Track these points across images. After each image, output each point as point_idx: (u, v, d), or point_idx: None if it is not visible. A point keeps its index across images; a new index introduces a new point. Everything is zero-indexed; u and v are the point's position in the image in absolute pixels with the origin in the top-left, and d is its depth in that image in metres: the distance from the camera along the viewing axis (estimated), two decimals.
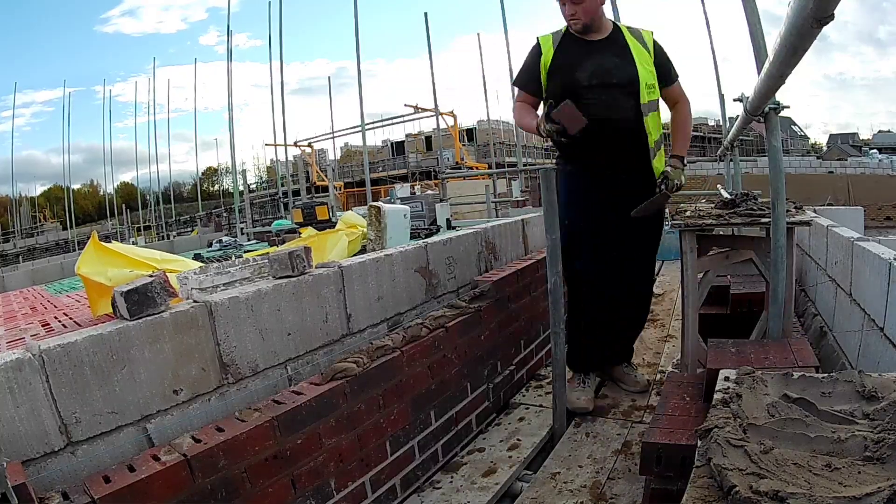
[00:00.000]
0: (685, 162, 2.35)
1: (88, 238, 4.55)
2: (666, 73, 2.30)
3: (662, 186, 2.25)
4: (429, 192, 15.11)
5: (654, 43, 2.29)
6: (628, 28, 2.29)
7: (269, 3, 14.31)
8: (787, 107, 1.79)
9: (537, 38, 2.37)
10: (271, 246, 8.66)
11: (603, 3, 2.24)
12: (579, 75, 2.22)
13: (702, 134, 38.35)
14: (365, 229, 5.27)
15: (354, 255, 4.60)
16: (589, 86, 2.22)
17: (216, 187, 48.29)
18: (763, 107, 1.73)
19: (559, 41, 2.29)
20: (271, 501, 1.38)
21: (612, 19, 2.30)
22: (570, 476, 1.90)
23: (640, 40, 2.26)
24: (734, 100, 2.01)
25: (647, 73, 2.22)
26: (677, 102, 2.38)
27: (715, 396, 1.09)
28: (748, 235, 2.55)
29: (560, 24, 2.35)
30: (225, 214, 23.48)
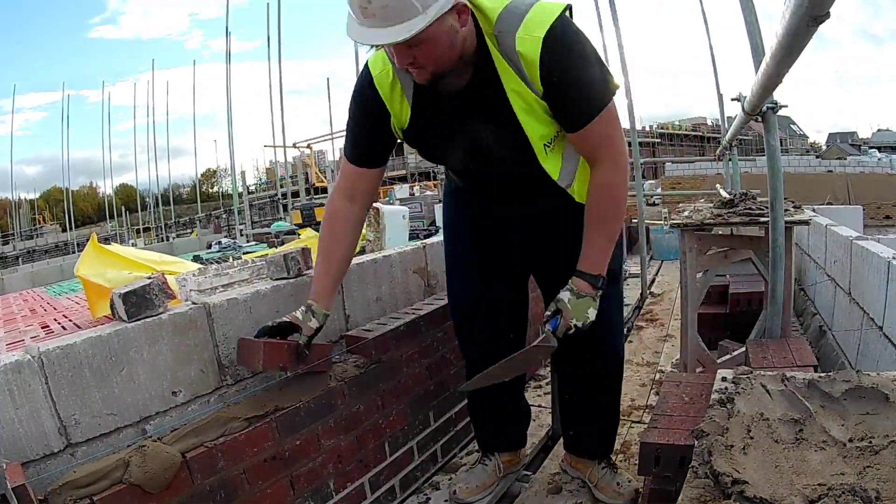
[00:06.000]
0: (601, 283, 1.43)
1: (88, 240, 4.55)
2: (569, 111, 1.34)
3: (548, 329, 1.40)
4: (428, 192, 15.13)
5: (542, 54, 1.26)
6: (498, 36, 1.28)
7: (268, 4, 14.33)
8: (785, 106, 1.79)
9: (368, 71, 1.41)
10: (270, 247, 8.66)
11: (461, 44, 1.25)
12: (450, 160, 1.55)
13: (700, 134, 38.43)
14: (364, 230, 5.28)
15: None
16: (466, 169, 1.57)
17: (215, 189, 48.35)
18: (761, 106, 1.73)
19: (412, 89, 1.37)
20: (270, 502, 1.38)
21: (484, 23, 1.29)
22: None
23: (513, 63, 1.29)
24: (732, 99, 2.00)
25: (540, 125, 1.35)
26: (596, 161, 1.39)
27: (712, 396, 1.09)
28: (747, 235, 2.55)
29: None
30: (224, 216, 23.49)
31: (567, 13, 1.32)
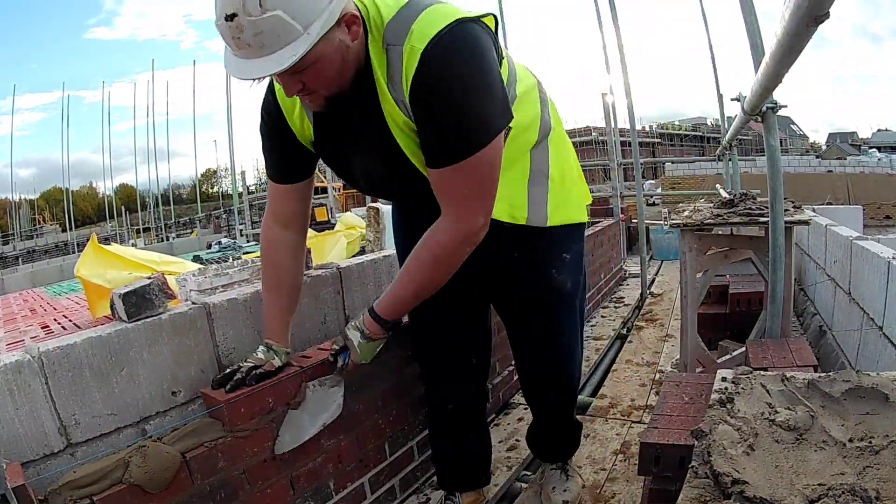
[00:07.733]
0: (387, 326, 1.36)
1: (88, 240, 4.55)
2: (426, 146, 1.17)
3: (338, 361, 1.41)
4: None
5: (416, 71, 1.09)
6: (388, 50, 1.13)
7: None
8: (785, 106, 1.79)
9: (272, 84, 1.29)
10: None
11: (354, 59, 1.12)
12: (355, 178, 1.40)
13: (700, 134, 38.43)
14: (364, 230, 5.27)
15: (353, 256, 4.60)
16: (370, 188, 1.45)
17: (215, 189, 48.37)
18: (760, 106, 1.73)
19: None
20: (270, 502, 1.38)
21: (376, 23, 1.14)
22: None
23: (392, 82, 1.13)
24: (732, 99, 2.00)
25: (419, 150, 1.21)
26: (442, 208, 1.22)
27: (712, 396, 1.09)
28: (747, 235, 2.55)
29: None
30: (224, 216, 23.48)
31: (480, 23, 1.15)
